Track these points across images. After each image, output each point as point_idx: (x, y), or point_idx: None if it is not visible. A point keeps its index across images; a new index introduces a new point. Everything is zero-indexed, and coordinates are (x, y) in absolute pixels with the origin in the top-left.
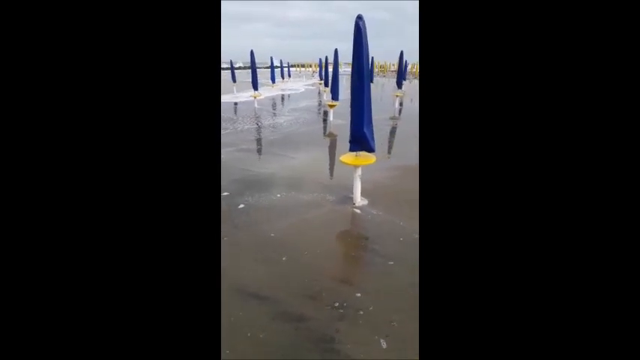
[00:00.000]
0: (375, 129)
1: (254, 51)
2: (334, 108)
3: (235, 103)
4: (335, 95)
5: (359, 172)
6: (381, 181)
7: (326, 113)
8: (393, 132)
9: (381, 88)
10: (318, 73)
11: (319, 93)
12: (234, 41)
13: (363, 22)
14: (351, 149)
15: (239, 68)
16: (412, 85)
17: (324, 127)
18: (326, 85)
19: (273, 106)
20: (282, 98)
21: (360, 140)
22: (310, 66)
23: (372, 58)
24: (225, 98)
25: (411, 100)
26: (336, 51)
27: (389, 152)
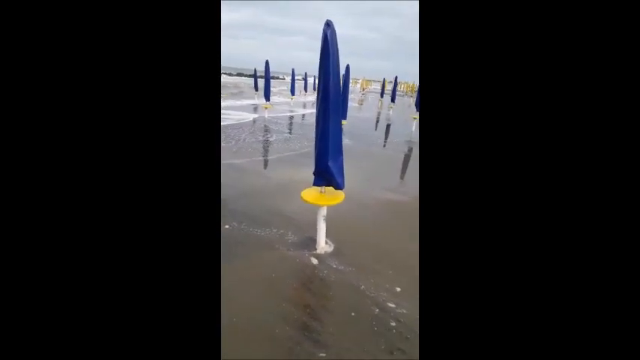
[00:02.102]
0: (387, 153)
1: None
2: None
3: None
4: (342, 113)
5: (323, 212)
6: (362, 220)
7: None
8: (406, 159)
9: (407, 109)
10: None
11: None
12: (271, 52)
13: (332, 29)
14: (315, 183)
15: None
16: None
17: None
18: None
19: (281, 118)
20: (300, 109)
21: (325, 175)
22: None
23: (396, 77)
24: (238, 103)
25: None
26: (347, 67)
27: (401, 179)
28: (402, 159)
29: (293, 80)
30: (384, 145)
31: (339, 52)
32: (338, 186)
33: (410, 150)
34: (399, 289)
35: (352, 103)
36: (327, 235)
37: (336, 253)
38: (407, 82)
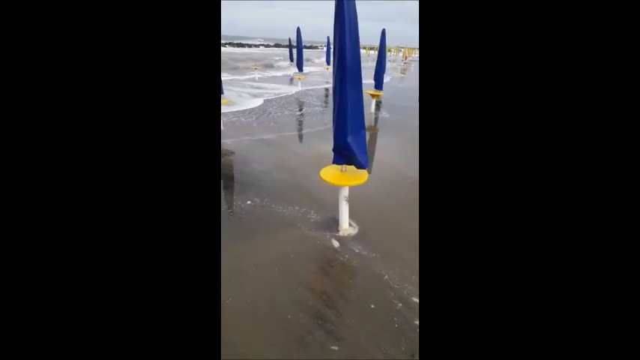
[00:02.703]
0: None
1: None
2: (377, 98)
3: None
4: (378, 84)
5: (345, 193)
6: (392, 201)
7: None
8: None
9: None
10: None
11: None
12: (308, 20)
13: None
14: (335, 161)
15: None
16: None
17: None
18: None
19: (315, 90)
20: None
21: (343, 152)
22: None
23: None
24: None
25: None
26: (383, 32)
27: None
28: None
29: (328, 49)
30: None
31: (377, 16)
32: (360, 165)
33: None
34: None
35: (395, 73)
36: (352, 217)
37: (360, 237)
38: None
